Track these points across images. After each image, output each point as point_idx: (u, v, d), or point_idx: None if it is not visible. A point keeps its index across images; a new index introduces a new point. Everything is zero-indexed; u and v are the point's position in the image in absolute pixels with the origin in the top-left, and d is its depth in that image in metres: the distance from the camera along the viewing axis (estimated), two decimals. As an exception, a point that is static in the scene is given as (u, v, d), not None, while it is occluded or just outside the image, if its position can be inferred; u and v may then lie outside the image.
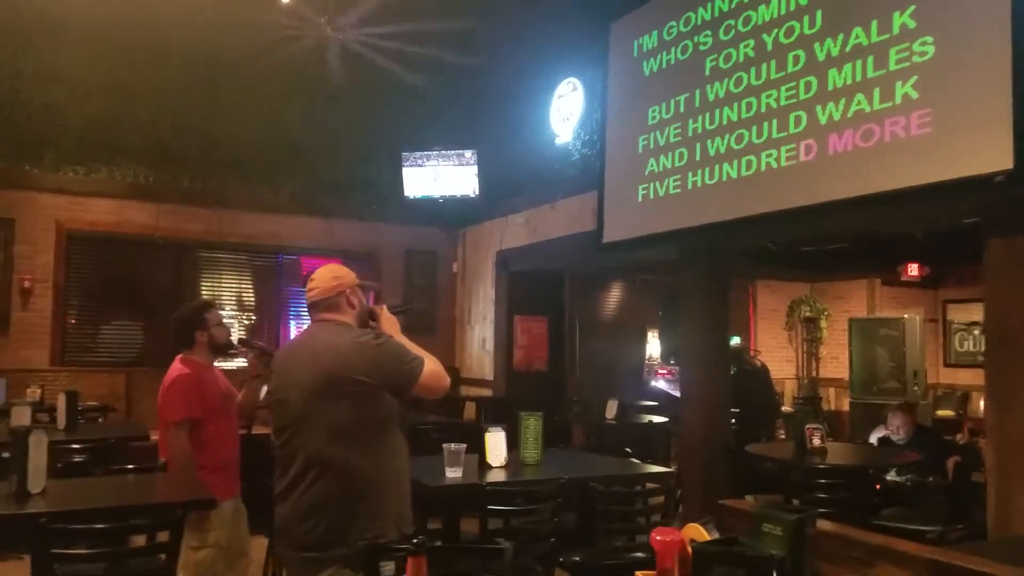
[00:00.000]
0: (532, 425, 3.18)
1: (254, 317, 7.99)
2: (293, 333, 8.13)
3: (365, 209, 8.41)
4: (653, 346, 10.01)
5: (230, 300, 7.86)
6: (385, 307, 2.55)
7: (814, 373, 10.67)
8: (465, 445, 2.86)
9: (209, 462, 3.24)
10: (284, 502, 2.26)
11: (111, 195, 7.06)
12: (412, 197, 8.18)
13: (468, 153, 8.10)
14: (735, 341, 8.12)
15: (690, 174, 5.05)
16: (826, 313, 10.61)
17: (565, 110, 7.11)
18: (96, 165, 6.95)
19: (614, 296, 9.50)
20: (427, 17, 6.53)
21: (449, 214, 8.61)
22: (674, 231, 5.30)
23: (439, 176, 8.23)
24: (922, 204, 3.67)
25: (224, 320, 3.74)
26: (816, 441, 4.12)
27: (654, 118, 5.45)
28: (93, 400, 5.89)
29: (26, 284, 6.51)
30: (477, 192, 7.99)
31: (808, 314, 10.62)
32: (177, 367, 3.41)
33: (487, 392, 8.01)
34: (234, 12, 6.32)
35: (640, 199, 5.64)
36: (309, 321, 2.52)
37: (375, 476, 2.25)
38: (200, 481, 3.11)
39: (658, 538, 1.40)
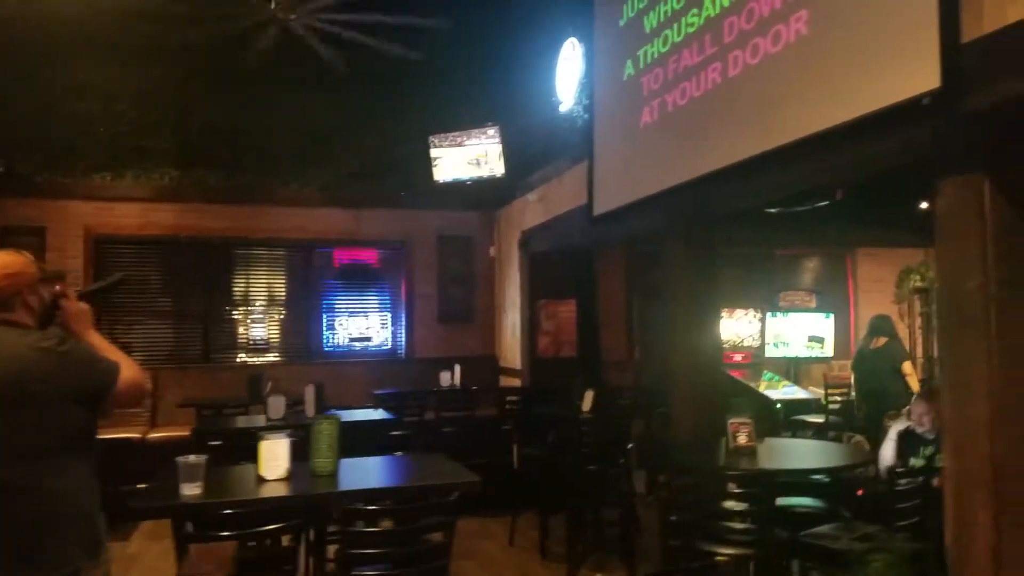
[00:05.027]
0: (326, 431, 2.74)
1: (286, 312, 8.04)
2: (326, 326, 8.11)
3: (395, 197, 8.19)
4: (731, 328, 8.99)
5: (262, 296, 7.95)
6: (73, 294, 2.25)
7: (932, 352, 9.09)
8: (205, 457, 2.50)
9: None
10: None
11: (138, 199, 7.35)
12: (442, 181, 7.85)
13: (491, 131, 7.63)
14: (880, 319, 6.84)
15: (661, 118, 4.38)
16: (941, 282, 8.97)
17: (568, 74, 6.45)
18: (123, 171, 7.24)
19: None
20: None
21: (482, 197, 8.18)
22: (654, 195, 4.62)
23: (466, 158, 7.84)
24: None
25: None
26: (742, 439, 3.28)
27: (632, 66, 4.79)
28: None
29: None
30: (503, 171, 7.53)
31: (919, 284, 9.04)
32: None
33: (517, 382, 7.53)
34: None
35: (622, 160, 5.03)
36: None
37: (58, 498, 1.96)
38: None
39: None
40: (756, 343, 8.96)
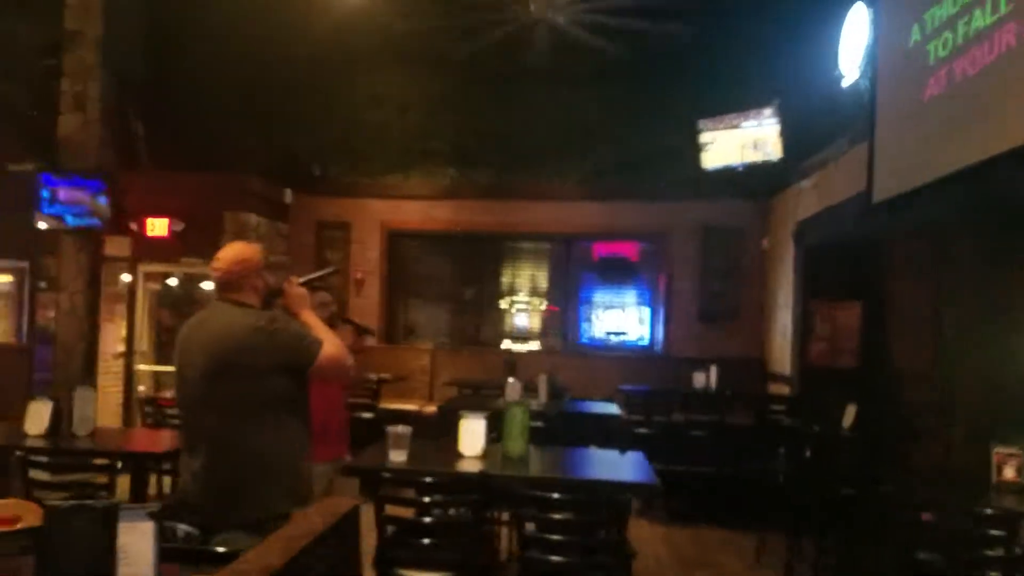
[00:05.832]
0: (518, 416, 2.69)
1: (547, 303, 8.29)
2: (583, 318, 8.19)
3: (655, 188, 7.97)
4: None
5: (526, 287, 8.31)
6: (295, 281, 2.51)
7: None
8: (411, 428, 2.59)
9: None
10: (186, 474, 2.37)
11: (422, 197, 8.12)
12: (711, 168, 7.43)
13: (768, 111, 7.04)
14: None
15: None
16: None
17: (853, 42, 5.68)
18: (410, 172, 8.08)
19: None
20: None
21: (752, 184, 7.59)
22: (941, 179, 3.87)
23: (740, 141, 7.30)
24: None
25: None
26: (1009, 472, 2.55)
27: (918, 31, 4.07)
28: (386, 373, 6.87)
29: (359, 276, 7.96)
30: (779, 155, 6.91)
31: None
32: None
33: (785, 389, 6.84)
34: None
35: (905, 138, 4.32)
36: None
37: (264, 452, 2.28)
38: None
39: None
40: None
